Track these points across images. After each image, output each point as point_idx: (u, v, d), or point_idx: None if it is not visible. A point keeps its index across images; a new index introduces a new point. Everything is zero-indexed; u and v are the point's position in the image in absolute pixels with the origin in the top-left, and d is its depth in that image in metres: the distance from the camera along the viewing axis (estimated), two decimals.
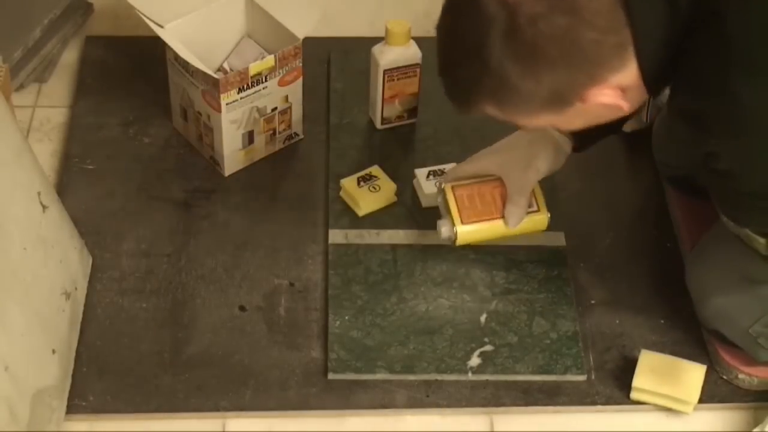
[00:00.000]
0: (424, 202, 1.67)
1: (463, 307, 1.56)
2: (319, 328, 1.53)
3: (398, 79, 1.72)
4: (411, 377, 1.48)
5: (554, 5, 1.16)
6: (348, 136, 1.77)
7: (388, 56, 1.69)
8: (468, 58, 1.22)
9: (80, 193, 1.68)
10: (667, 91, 1.32)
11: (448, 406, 1.47)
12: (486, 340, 1.52)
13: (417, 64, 1.71)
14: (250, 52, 1.75)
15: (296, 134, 1.76)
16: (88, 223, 1.62)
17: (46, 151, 1.75)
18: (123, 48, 1.90)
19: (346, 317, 1.53)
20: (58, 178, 1.71)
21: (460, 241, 1.56)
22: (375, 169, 1.69)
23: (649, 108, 1.36)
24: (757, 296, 1.43)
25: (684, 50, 1.20)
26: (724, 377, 1.51)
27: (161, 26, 1.63)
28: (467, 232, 1.55)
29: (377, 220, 1.65)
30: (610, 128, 1.57)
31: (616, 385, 1.50)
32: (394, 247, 1.62)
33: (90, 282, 1.56)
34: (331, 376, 1.48)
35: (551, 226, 1.59)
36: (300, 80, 1.69)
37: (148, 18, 1.61)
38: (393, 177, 1.68)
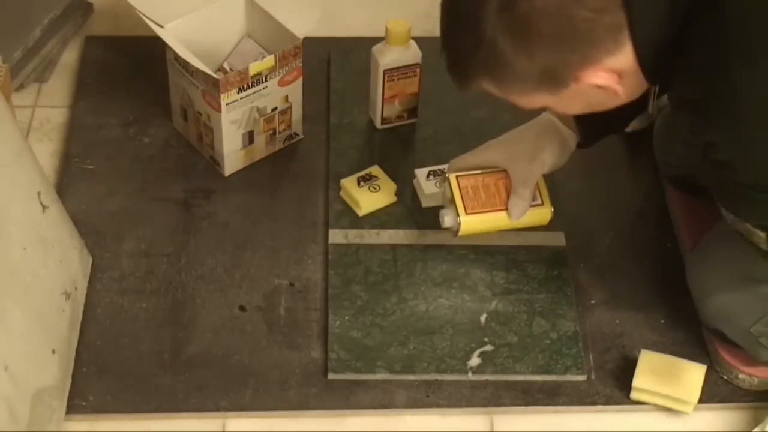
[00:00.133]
0: (424, 202, 1.67)
1: (463, 307, 1.56)
2: (319, 328, 1.53)
3: (398, 79, 1.72)
4: (411, 377, 1.48)
5: None
6: (348, 136, 1.77)
7: (388, 56, 1.69)
8: (464, 31, 1.23)
9: (80, 193, 1.68)
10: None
11: (448, 406, 1.47)
12: (486, 340, 1.52)
13: (417, 64, 1.71)
14: (250, 52, 1.75)
15: (296, 134, 1.76)
16: (88, 223, 1.62)
17: (46, 151, 1.75)
18: (123, 48, 1.90)
19: (346, 317, 1.53)
20: (58, 178, 1.71)
21: (462, 232, 1.56)
22: (375, 169, 1.69)
23: (655, 99, 1.36)
24: (758, 295, 1.43)
25: (683, 39, 1.20)
26: (724, 377, 1.51)
27: (161, 26, 1.63)
28: (470, 222, 1.55)
29: (377, 220, 1.65)
30: (616, 125, 1.57)
31: (616, 385, 1.50)
32: (394, 247, 1.62)
33: (90, 282, 1.56)
34: (331, 376, 1.48)
35: (552, 224, 1.59)
36: (300, 80, 1.69)
37: (148, 18, 1.61)
38: (393, 177, 1.68)
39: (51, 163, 1.73)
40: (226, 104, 1.62)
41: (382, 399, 1.47)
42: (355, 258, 1.60)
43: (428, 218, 1.65)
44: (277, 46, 1.65)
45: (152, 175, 1.71)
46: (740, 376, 1.50)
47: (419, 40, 1.71)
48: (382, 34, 1.69)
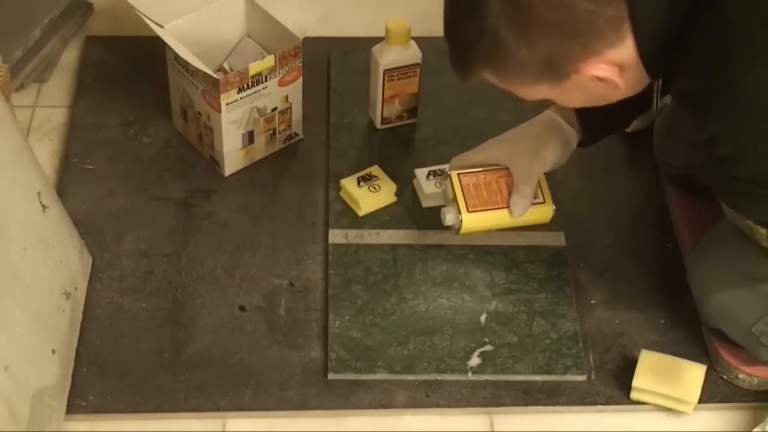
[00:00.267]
0: (424, 202, 1.67)
1: (463, 307, 1.56)
2: (319, 328, 1.53)
3: (398, 79, 1.72)
4: (411, 377, 1.48)
5: None
6: (348, 136, 1.77)
7: (388, 56, 1.69)
8: (466, 19, 1.23)
9: (80, 193, 1.68)
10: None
11: (448, 406, 1.47)
12: (486, 340, 1.52)
13: (417, 64, 1.71)
14: (250, 52, 1.75)
15: (296, 134, 1.76)
16: (88, 223, 1.62)
17: (46, 151, 1.75)
18: (123, 48, 1.90)
19: (346, 317, 1.53)
20: (58, 178, 1.71)
21: (464, 230, 1.56)
22: (375, 169, 1.69)
23: (658, 95, 1.36)
24: (759, 294, 1.43)
25: (684, 33, 1.20)
26: (724, 377, 1.51)
27: (161, 26, 1.63)
28: (472, 220, 1.55)
29: (377, 220, 1.65)
30: (617, 124, 1.57)
31: (616, 385, 1.50)
32: (394, 247, 1.62)
33: (90, 282, 1.56)
34: (331, 376, 1.48)
35: (552, 224, 1.59)
36: (300, 80, 1.69)
37: (148, 18, 1.61)
38: (393, 177, 1.68)
39: (51, 163, 1.73)
40: (226, 104, 1.62)
41: (382, 399, 1.47)
42: (355, 258, 1.60)
43: (428, 218, 1.65)
44: (277, 46, 1.65)
45: (152, 175, 1.71)
46: (740, 376, 1.50)
47: (419, 40, 1.71)
48: (382, 34, 1.69)
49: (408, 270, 1.59)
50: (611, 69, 1.22)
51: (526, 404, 1.48)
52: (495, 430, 1.47)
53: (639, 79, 1.27)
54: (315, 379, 1.48)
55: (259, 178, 1.72)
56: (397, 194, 1.67)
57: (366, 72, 1.74)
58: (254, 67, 1.61)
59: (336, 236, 1.63)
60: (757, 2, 1.15)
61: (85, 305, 1.54)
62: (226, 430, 1.45)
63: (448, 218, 1.56)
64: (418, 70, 1.71)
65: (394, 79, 1.71)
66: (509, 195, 1.55)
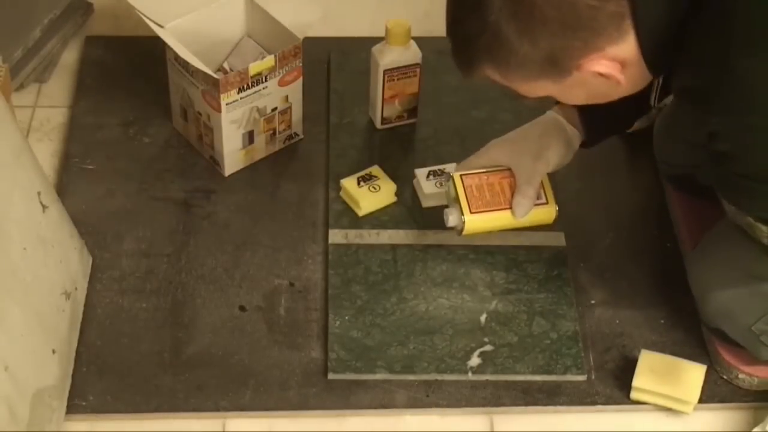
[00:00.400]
0: (424, 202, 1.67)
1: (463, 307, 1.56)
2: (319, 328, 1.53)
3: (398, 79, 1.72)
4: (411, 377, 1.48)
5: None
6: (348, 136, 1.77)
7: (388, 56, 1.69)
8: (469, 15, 1.24)
9: (80, 193, 1.68)
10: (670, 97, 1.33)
11: (448, 406, 1.47)
12: (486, 340, 1.52)
13: (417, 64, 1.71)
14: (250, 52, 1.75)
15: (296, 134, 1.76)
16: (88, 223, 1.62)
17: (46, 151, 1.75)
18: (123, 48, 1.90)
19: (346, 317, 1.53)
20: (58, 178, 1.71)
21: (467, 231, 1.56)
22: (375, 169, 1.69)
23: (658, 92, 1.36)
24: (759, 293, 1.43)
25: (686, 30, 1.20)
26: (724, 377, 1.51)
27: (161, 26, 1.63)
28: (475, 221, 1.55)
29: (377, 220, 1.65)
30: (619, 124, 1.57)
31: (616, 385, 1.50)
32: (394, 247, 1.62)
33: (90, 282, 1.56)
34: (331, 376, 1.48)
35: (553, 224, 1.59)
36: (300, 80, 1.69)
37: (148, 18, 1.61)
38: (393, 177, 1.68)
39: (51, 163, 1.73)
40: (226, 104, 1.62)
41: (382, 399, 1.47)
42: (355, 258, 1.60)
43: (428, 218, 1.65)
44: (277, 46, 1.65)
45: (152, 175, 1.71)
46: (740, 376, 1.50)
47: (419, 40, 1.71)
48: (382, 34, 1.69)
49: (408, 270, 1.59)
50: (613, 65, 1.23)
51: (526, 404, 1.48)
52: (495, 430, 1.47)
53: (640, 76, 1.28)
54: (315, 379, 1.48)
55: (259, 178, 1.72)
56: (397, 194, 1.67)
57: (366, 72, 1.74)
58: (254, 67, 1.61)
59: (336, 236, 1.63)
60: None
61: (85, 305, 1.53)
62: (226, 430, 1.45)
63: (451, 219, 1.56)
64: (418, 70, 1.71)
65: (394, 79, 1.71)
66: (512, 196, 1.55)
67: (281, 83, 1.66)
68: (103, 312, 1.54)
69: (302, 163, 1.74)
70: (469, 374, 1.49)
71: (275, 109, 1.69)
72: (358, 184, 1.66)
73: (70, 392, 1.44)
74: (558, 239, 1.64)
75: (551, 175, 1.57)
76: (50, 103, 1.84)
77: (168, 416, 1.45)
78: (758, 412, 1.49)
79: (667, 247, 1.65)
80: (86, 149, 1.74)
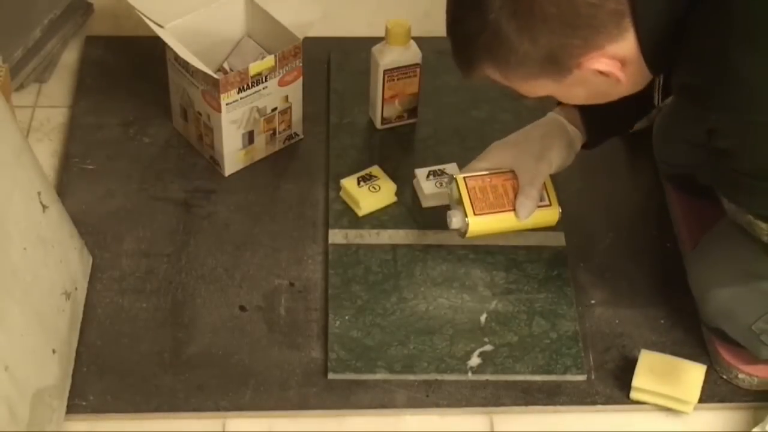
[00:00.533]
0: (424, 202, 1.67)
1: (463, 307, 1.56)
2: (319, 328, 1.53)
3: (398, 79, 1.72)
4: (411, 377, 1.48)
5: None
6: (348, 136, 1.77)
7: (388, 56, 1.69)
8: (469, 14, 1.24)
9: (80, 193, 1.68)
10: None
11: (448, 406, 1.47)
12: (486, 340, 1.52)
13: (417, 64, 1.71)
14: (250, 52, 1.75)
15: (296, 134, 1.76)
16: (88, 223, 1.62)
17: (46, 151, 1.75)
18: (123, 48, 1.90)
19: (346, 317, 1.53)
20: (58, 178, 1.71)
21: (470, 233, 1.56)
22: (375, 169, 1.69)
23: (660, 91, 1.36)
24: (760, 292, 1.43)
25: (686, 28, 1.20)
26: (724, 377, 1.51)
27: (161, 26, 1.63)
28: (478, 223, 1.55)
29: (377, 220, 1.65)
30: (621, 125, 1.57)
31: (616, 385, 1.50)
32: (394, 247, 1.62)
33: (90, 282, 1.56)
34: (331, 376, 1.48)
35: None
36: (300, 80, 1.69)
37: (148, 18, 1.61)
38: (393, 177, 1.68)
39: (51, 163, 1.73)
40: (226, 104, 1.62)
41: (382, 399, 1.47)
42: (355, 258, 1.60)
43: (428, 218, 1.65)
44: (277, 46, 1.65)
45: (152, 175, 1.71)
46: (740, 375, 1.50)
47: (419, 40, 1.71)
48: (382, 34, 1.69)
49: (408, 270, 1.59)
50: (613, 63, 1.23)
51: (526, 404, 1.48)
52: (495, 430, 1.47)
53: (640, 75, 1.28)
54: (315, 379, 1.48)
55: (259, 178, 1.72)
56: (397, 194, 1.67)
57: (366, 72, 1.74)
58: (254, 67, 1.61)
59: (336, 236, 1.63)
60: None
61: (85, 305, 1.54)
62: (226, 430, 1.45)
63: (455, 221, 1.56)
64: (418, 70, 1.71)
65: (394, 79, 1.71)
66: (515, 197, 1.55)
67: (281, 83, 1.67)
68: (103, 312, 1.54)
69: (302, 163, 1.74)
70: (469, 374, 1.49)
71: (275, 109, 1.69)
72: (358, 184, 1.66)
73: (70, 392, 1.44)
74: (558, 239, 1.64)
75: (553, 177, 1.57)
76: (50, 103, 1.84)
77: (168, 416, 1.45)
78: (758, 412, 1.49)
79: (667, 247, 1.65)
80: (86, 149, 1.74)
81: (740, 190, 1.29)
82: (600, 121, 1.53)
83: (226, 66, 1.76)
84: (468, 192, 1.55)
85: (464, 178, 1.56)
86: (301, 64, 1.67)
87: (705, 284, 1.49)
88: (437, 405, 1.47)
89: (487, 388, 1.49)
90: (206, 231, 1.64)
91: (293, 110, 1.72)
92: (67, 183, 1.69)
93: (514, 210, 1.55)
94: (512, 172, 1.56)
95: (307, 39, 1.65)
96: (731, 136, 1.23)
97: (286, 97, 1.69)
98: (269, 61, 1.63)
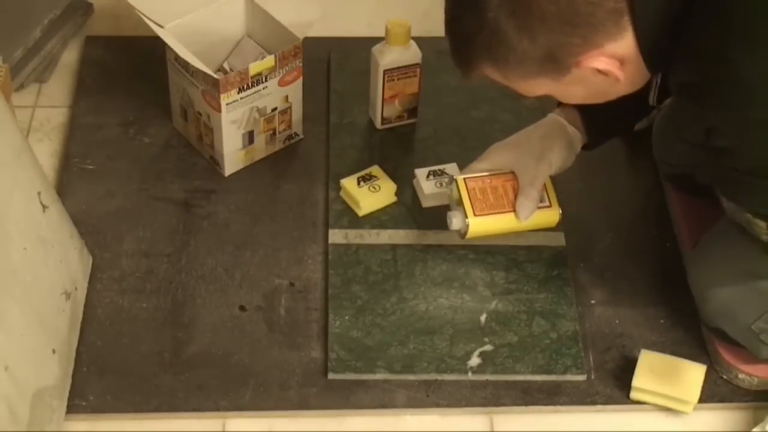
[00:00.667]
0: (424, 202, 1.67)
1: (463, 307, 1.56)
2: (319, 328, 1.54)
3: (398, 79, 1.72)
4: (411, 377, 1.48)
5: None
6: (348, 136, 1.77)
7: (388, 56, 1.69)
8: (467, 13, 1.24)
9: (80, 193, 1.68)
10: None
11: (448, 406, 1.47)
12: (486, 340, 1.52)
13: (417, 64, 1.71)
14: (250, 52, 1.75)
15: (296, 134, 1.76)
16: (88, 223, 1.62)
17: (46, 151, 1.75)
18: (123, 48, 1.90)
19: (346, 317, 1.53)
20: (58, 178, 1.71)
21: (471, 234, 1.56)
22: (375, 169, 1.69)
23: (656, 92, 1.36)
24: (758, 292, 1.43)
25: (684, 25, 1.20)
26: (724, 377, 1.51)
27: (161, 26, 1.63)
28: (478, 224, 1.55)
29: (377, 220, 1.65)
30: (621, 126, 1.57)
31: (616, 385, 1.50)
32: (394, 247, 1.62)
33: (90, 282, 1.56)
34: (331, 376, 1.48)
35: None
36: (300, 80, 1.69)
37: (148, 18, 1.61)
38: (393, 177, 1.68)
39: (51, 163, 1.73)
40: (226, 104, 1.62)
41: (382, 399, 1.47)
42: (355, 258, 1.60)
43: (428, 218, 1.65)
44: (277, 46, 1.65)
45: (152, 175, 1.71)
46: (740, 375, 1.50)
47: (419, 40, 1.71)
48: (382, 34, 1.69)
49: (408, 270, 1.59)
50: (612, 62, 1.23)
51: (526, 404, 1.48)
52: (495, 430, 1.47)
53: (639, 74, 1.28)
54: (315, 379, 1.48)
55: (259, 178, 1.72)
56: (397, 194, 1.67)
57: (366, 72, 1.74)
58: (254, 67, 1.61)
59: (336, 236, 1.63)
60: None
61: (85, 305, 1.54)
62: (226, 430, 1.45)
63: (455, 222, 1.55)
64: (418, 70, 1.71)
65: (394, 79, 1.71)
66: (515, 198, 1.55)
67: (281, 83, 1.67)
68: (103, 312, 1.54)
69: (302, 163, 1.74)
70: (469, 374, 1.49)
71: (275, 109, 1.69)
72: (358, 184, 1.66)
73: (70, 392, 1.44)
74: (558, 239, 1.64)
75: (553, 177, 1.57)
76: (50, 103, 1.84)
77: (168, 416, 1.45)
78: (758, 412, 1.49)
79: (666, 247, 1.65)
80: (86, 149, 1.74)
81: (739, 188, 1.29)
82: (600, 122, 1.53)
83: (226, 66, 1.76)
84: (468, 193, 1.55)
85: (464, 179, 1.56)
86: (301, 64, 1.67)
87: (705, 284, 1.49)
88: (437, 405, 1.47)
89: (487, 388, 1.49)
90: (206, 231, 1.64)
91: (293, 110, 1.72)
92: (67, 183, 1.69)
93: (514, 211, 1.55)
94: (512, 173, 1.56)
95: (307, 39, 1.65)
96: (730, 135, 1.23)
97: (286, 97, 1.69)
98: (269, 61, 1.63)
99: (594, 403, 1.48)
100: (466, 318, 1.54)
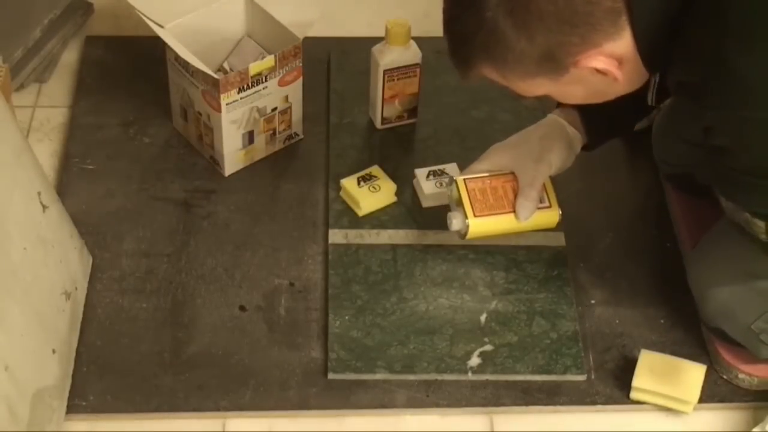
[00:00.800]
0: (424, 202, 1.67)
1: (463, 307, 1.56)
2: (319, 328, 1.54)
3: (398, 79, 1.72)
4: (411, 377, 1.48)
5: None
6: (348, 136, 1.77)
7: (388, 56, 1.69)
8: (465, 12, 1.24)
9: (80, 193, 1.68)
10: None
11: (448, 406, 1.47)
12: (486, 340, 1.52)
13: (417, 64, 1.71)
14: (250, 52, 1.75)
15: (296, 134, 1.76)
16: (88, 223, 1.62)
17: (46, 151, 1.75)
18: (123, 48, 1.90)
19: (346, 317, 1.53)
20: (58, 178, 1.71)
21: (471, 235, 1.56)
22: (375, 169, 1.69)
23: (655, 91, 1.36)
24: (759, 292, 1.43)
25: (681, 25, 1.20)
26: (724, 377, 1.51)
27: (161, 26, 1.63)
28: (478, 225, 1.55)
29: (377, 220, 1.65)
30: (621, 127, 1.57)
31: (616, 385, 1.50)
32: (394, 247, 1.62)
33: (90, 282, 1.56)
34: (331, 376, 1.48)
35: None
36: (300, 80, 1.69)
37: (148, 18, 1.61)
38: (393, 177, 1.68)
39: (51, 163, 1.73)
40: (226, 104, 1.62)
41: (382, 399, 1.47)
42: (355, 258, 1.60)
43: (428, 218, 1.65)
44: (277, 46, 1.65)
45: (152, 175, 1.71)
46: (740, 375, 1.50)
47: (419, 40, 1.71)
48: (382, 34, 1.69)
49: (408, 270, 1.59)
50: (610, 61, 1.23)
51: (526, 404, 1.48)
52: (495, 430, 1.47)
53: (637, 73, 1.28)
54: (315, 379, 1.48)
55: (259, 178, 1.72)
56: (397, 194, 1.67)
57: (366, 72, 1.74)
58: (254, 67, 1.61)
59: (336, 236, 1.63)
60: None
61: (85, 305, 1.54)
62: (226, 430, 1.45)
63: (455, 223, 1.55)
64: (418, 70, 1.72)
65: (394, 79, 1.71)
66: (515, 199, 1.55)
67: (281, 83, 1.67)
68: (103, 312, 1.54)
69: (302, 163, 1.74)
70: (469, 374, 1.49)
71: (275, 109, 1.69)
72: (358, 184, 1.66)
73: (70, 392, 1.44)
74: (558, 239, 1.64)
75: (553, 177, 1.57)
76: (50, 103, 1.84)
77: (168, 416, 1.45)
78: (758, 412, 1.49)
79: (666, 247, 1.65)
80: (86, 149, 1.74)
81: (737, 188, 1.29)
82: (600, 122, 1.53)
83: (226, 66, 1.76)
84: (468, 194, 1.55)
85: (464, 179, 1.56)
86: (301, 64, 1.67)
87: (704, 284, 1.49)
88: (437, 405, 1.47)
89: (487, 388, 1.49)
90: (206, 231, 1.64)
91: (293, 110, 1.72)
92: (67, 183, 1.69)
93: (514, 212, 1.55)
94: (512, 173, 1.56)
95: (307, 39, 1.65)
96: (727, 134, 1.23)
97: (286, 97, 1.69)
98: (269, 61, 1.63)
99: (594, 403, 1.48)
100: (466, 318, 1.54)
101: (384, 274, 1.59)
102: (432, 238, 1.63)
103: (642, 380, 1.47)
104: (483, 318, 1.55)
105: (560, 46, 1.22)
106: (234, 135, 1.67)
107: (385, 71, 1.70)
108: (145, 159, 1.73)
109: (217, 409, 1.45)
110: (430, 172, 1.68)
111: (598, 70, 1.24)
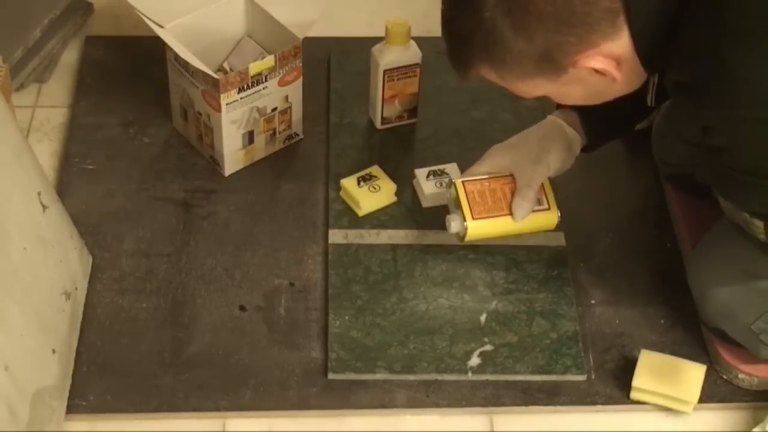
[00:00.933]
0: (424, 202, 1.67)
1: (463, 307, 1.56)
2: (319, 328, 1.54)
3: (398, 79, 1.72)
4: (411, 377, 1.48)
5: None
6: (348, 136, 1.77)
7: (388, 56, 1.69)
8: (463, 13, 1.24)
9: (80, 193, 1.68)
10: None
11: (448, 406, 1.47)
12: (486, 340, 1.52)
13: (417, 64, 1.71)
14: (250, 52, 1.75)
15: (296, 134, 1.76)
16: (88, 223, 1.62)
17: (46, 151, 1.75)
18: (123, 48, 1.90)
19: (346, 317, 1.53)
20: (58, 178, 1.71)
21: (470, 237, 1.56)
22: (375, 169, 1.69)
23: (654, 92, 1.36)
24: (759, 292, 1.43)
25: (679, 27, 1.20)
26: (724, 377, 1.51)
27: (161, 26, 1.63)
28: (477, 227, 1.55)
29: (377, 220, 1.65)
30: (620, 128, 1.57)
31: (616, 385, 1.50)
32: (394, 247, 1.62)
33: (90, 282, 1.56)
34: (331, 376, 1.48)
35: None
36: (300, 80, 1.69)
37: (148, 18, 1.61)
38: (393, 177, 1.68)
39: (51, 163, 1.73)
40: (226, 104, 1.62)
41: (382, 399, 1.47)
42: (355, 258, 1.60)
43: (428, 218, 1.65)
44: (277, 46, 1.65)
45: (152, 175, 1.71)
46: (740, 375, 1.50)
47: (419, 40, 1.71)
48: (382, 34, 1.69)
49: (408, 270, 1.59)
50: (608, 61, 1.23)
51: (526, 404, 1.48)
52: (495, 430, 1.47)
53: (635, 73, 1.28)
54: (315, 379, 1.48)
55: (259, 178, 1.72)
56: (397, 194, 1.67)
57: (366, 72, 1.74)
58: (254, 67, 1.61)
59: (336, 236, 1.63)
60: None
61: (85, 305, 1.54)
62: (226, 430, 1.45)
63: (454, 226, 1.56)
64: (418, 70, 1.72)
65: (394, 79, 1.71)
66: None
67: (281, 83, 1.67)
68: (103, 312, 1.54)
69: (302, 163, 1.75)
70: (469, 374, 1.49)
71: (275, 109, 1.69)
72: (358, 184, 1.66)
73: (70, 392, 1.44)
74: (558, 239, 1.64)
75: (552, 180, 1.57)
76: (50, 103, 1.84)
77: (168, 416, 1.45)
78: (758, 412, 1.49)
79: (666, 247, 1.65)
80: (86, 149, 1.74)
81: (736, 188, 1.29)
82: (599, 123, 1.53)
83: (226, 66, 1.76)
84: (467, 196, 1.55)
85: (463, 182, 1.56)
86: (301, 64, 1.67)
87: (704, 284, 1.49)
88: (437, 405, 1.47)
89: (487, 388, 1.49)
90: (206, 231, 1.64)
91: (293, 110, 1.72)
92: (67, 183, 1.69)
93: (511, 213, 1.55)
94: (511, 176, 1.56)
95: (307, 39, 1.65)
96: (725, 134, 1.23)
97: (286, 97, 1.69)
98: (269, 61, 1.63)
99: (594, 403, 1.48)
100: (466, 318, 1.54)
101: (384, 274, 1.59)
102: (432, 238, 1.63)
103: (642, 380, 1.47)
104: (483, 318, 1.55)
105: (558, 46, 1.22)
106: (234, 135, 1.67)
107: (385, 71, 1.70)
108: (145, 159, 1.73)
109: (217, 409, 1.45)
110: (430, 172, 1.68)
111: (596, 71, 1.24)
